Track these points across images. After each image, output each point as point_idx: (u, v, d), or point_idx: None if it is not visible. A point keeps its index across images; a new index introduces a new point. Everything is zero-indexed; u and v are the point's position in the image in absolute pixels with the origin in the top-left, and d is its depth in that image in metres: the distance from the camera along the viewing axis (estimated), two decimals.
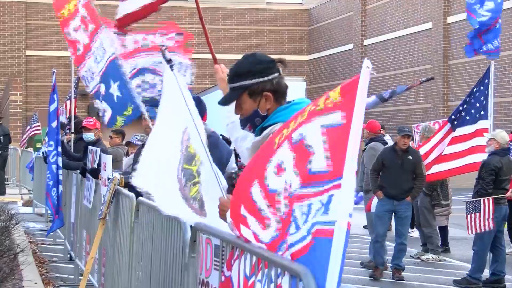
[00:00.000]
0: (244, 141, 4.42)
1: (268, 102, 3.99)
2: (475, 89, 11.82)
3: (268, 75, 3.98)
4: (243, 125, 4.10)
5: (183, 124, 4.42)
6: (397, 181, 11.05)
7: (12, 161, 25.97)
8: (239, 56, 4.29)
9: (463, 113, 11.75)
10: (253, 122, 4.02)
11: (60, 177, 11.26)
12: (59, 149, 11.31)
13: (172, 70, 4.54)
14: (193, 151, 4.35)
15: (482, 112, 11.58)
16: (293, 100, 4.05)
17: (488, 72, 11.77)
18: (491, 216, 10.32)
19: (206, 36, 5.58)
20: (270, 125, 3.98)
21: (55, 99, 11.58)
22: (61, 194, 11.30)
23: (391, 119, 32.61)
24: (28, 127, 23.64)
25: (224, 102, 4.08)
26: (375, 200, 11.61)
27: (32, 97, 37.99)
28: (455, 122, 11.80)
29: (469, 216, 10.41)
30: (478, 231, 10.38)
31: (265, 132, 3.97)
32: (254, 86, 3.97)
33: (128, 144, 13.63)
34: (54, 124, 11.44)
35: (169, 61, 4.55)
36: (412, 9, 33.05)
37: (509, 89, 26.53)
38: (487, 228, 10.36)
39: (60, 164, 11.32)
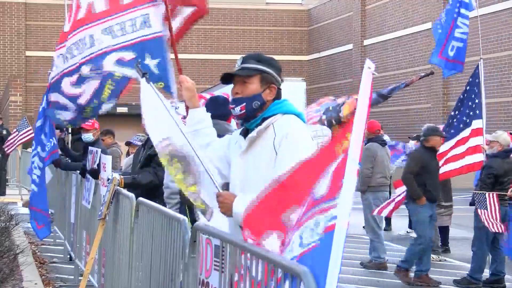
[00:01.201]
0: (217, 143, 4.58)
1: (270, 95, 4.36)
2: (467, 88, 11.84)
3: (279, 77, 4.44)
4: (236, 104, 4.35)
5: (165, 133, 4.57)
6: (438, 183, 10.96)
7: (12, 161, 25.95)
8: (239, 57, 4.44)
9: (458, 117, 11.73)
10: (251, 103, 4.32)
11: (34, 177, 11.13)
12: (39, 149, 11.20)
13: (148, 82, 4.69)
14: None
15: (477, 112, 11.58)
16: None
17: (477, 71, 11.80)
18: (498, 217, 10.30)
19: (173, 43, 5.58)
20: (270, 116, 4.30)
21: (44, 99, 11.46)
22: (35, 194, 11.21)
23: (391, 119, 32.61)
24: (15, 130, 22.09)
25: (237, 73, 4.36)
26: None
27: (32, 97, 37.99)
28: (452, 131, 11.76)
29: (480, 211, 10.39)
30: (496, 230, 10.35)
31: (267, 121, 4.29)
32: (269, 74, 4.36)
33: (129, 144, 13.63)
34: (38, 124, 11.36)
35: (144, 74, 4.72)
36: (412, 9, 33.05)
37: (509, 89, 26.53)
38: (500, 230, 10.35)
39: (39, 164, 11.16)
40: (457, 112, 11.86)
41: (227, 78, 4.43)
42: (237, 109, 4.33)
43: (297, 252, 3.28)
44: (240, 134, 4.43)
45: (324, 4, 40.75)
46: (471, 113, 11.67)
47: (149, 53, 6.41)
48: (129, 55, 6.62)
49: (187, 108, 4.70)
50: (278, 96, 4.38)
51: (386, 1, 34.99)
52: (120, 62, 6.63)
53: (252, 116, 4.33)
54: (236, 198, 4.15)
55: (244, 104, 4.31)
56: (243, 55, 4.45)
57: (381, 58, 34.16)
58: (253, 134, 4.28)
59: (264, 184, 4.14)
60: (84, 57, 6.87)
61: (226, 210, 4.17)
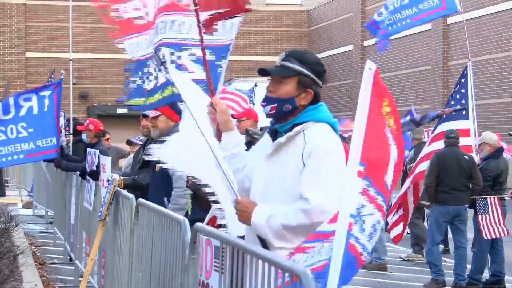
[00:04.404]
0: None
1: (305, 100, 4.09)
2: (455, 90, 11.77)
3: (320, 81, 4.13)
4: (267, 103, 4.12)
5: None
6: None
7: None
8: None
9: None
10: (282, 105, 4.07)
11: None
12: None
13: (167, 72, 4.56)
14: None
15: (463, 112, 11.44)
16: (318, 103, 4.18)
17: (465, 72, 11.73)
18: (501, 220, 10.30)
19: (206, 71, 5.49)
20: (301, 123, 4.04)
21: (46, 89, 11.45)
22: None
23: None
24: None
25: (271, 71, 4.14)
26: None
27: None
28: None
29: (480, 216, 10.36)
30: (494, 236, 10.33)
31: (296, 128, 4.04)
32: (307, 78, 4.08)
33: (130, 143, 13.61)
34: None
35: (162, 63, 4.57)
36: None
37: (510, 90, 26.54)
38: (503, 234, 10.34)
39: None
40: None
41: (264, 70, 4.18)
42: (267, 108, 4.10)
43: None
44: (268, 133, 4.22)
45: (324, 5, 40.75)
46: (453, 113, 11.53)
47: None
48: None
49: (219, 131, 4.43)
50: (315, 99, 4.12)
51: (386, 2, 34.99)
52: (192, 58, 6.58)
53: (283, 119, 4.10)
54: (256, 208, 4.01)
55: (276, 105, 4.08)
56: (287, 51, 4.18)
57: (381, 59, 34.16)
58: (281, 140, 4.04)
59: (286, 194, 3.98)
60: (166, 39, 6.78)
61: (245, 219, 4.04)
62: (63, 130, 14.31)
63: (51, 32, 38.16)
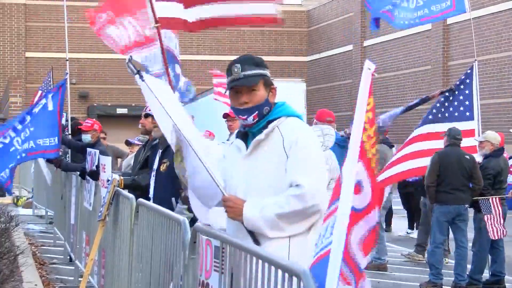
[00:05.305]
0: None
1: (273, 96, 4.33)
2: (459, 90, 11.61)
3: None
4: (249, 114, 4.24)
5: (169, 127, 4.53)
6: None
7: None
8: (237, 64, 4.38)
9: (434, 111, 11.43)
10: (262, 109, 4.26)
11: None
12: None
13: (143, 80, 4.59)
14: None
15: (468, 114, 11.28)
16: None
17: (471, 72, 11.61)
18: (501, 221, 10.29)
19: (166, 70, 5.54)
20: (275, 119, 4.25)
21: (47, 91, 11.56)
22: None
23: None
24: None
25: (244, 84, 4.24)
26: None
27: (32, 98, 37.96)
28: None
29: (486, 217, 10.36)
30: (498, 237, 10.34)
31: (272, 124, 4.24)
32: (267, 77, 4.32)
33: (129, 144, 13.61)
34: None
35: (137, 72, 4.63)
36: None
37: (509, 90, 26.54)
38: (503, 235, 10.34)
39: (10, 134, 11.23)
40: (438, 105, 11.56)
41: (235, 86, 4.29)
42: (250, 118, 4.24)
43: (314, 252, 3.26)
44: (237, 137, 4.37)
45: (324, 5, 40.74)
46: (451, 108, 11.35)
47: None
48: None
49: None
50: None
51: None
52: None
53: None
54: (247, 202, 4.10)
55: (256, 112, 4.25)
56: (238, 62, 4.29)
57: (381, 59, 34.16)
58: (260, 136, 4.22)
59: (269, 188, 4.11)
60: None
61: (236, 215, 4.11)
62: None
63: (51, 32, 38.15)
